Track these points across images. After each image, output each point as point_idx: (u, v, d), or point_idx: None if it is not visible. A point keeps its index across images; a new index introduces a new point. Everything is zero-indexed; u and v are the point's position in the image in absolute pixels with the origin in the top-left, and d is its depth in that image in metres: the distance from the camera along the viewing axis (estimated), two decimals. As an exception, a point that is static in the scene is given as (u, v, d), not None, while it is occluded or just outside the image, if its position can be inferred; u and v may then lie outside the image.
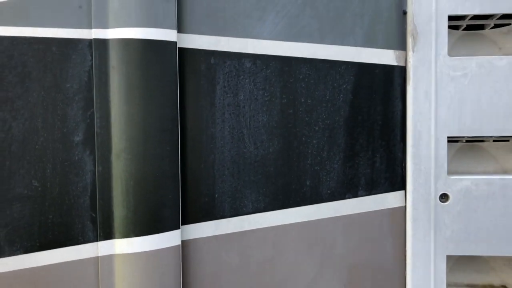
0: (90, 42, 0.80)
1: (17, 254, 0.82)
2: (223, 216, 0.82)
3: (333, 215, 0.82)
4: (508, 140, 0.76)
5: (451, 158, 0.78)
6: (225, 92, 0.81)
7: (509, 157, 0.76)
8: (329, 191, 0.82)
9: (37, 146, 0.81)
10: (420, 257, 0.77)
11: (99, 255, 0.82)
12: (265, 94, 0.81)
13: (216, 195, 0.82)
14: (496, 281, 0.79)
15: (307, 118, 0.80)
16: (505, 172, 0.76)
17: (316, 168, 0.81)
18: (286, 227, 0.81)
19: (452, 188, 0.75)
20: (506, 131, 0.73)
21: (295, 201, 0.81)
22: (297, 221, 0.81)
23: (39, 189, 0.81)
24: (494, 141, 0.78)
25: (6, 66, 0.80)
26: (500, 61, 0.75)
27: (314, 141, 0.80)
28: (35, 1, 0.80)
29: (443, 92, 0.77)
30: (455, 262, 0.79)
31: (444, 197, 0.78)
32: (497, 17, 0.75)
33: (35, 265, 0.82)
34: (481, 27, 0.81)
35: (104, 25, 0.79)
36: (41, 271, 0.82)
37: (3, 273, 0.81)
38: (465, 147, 0.77)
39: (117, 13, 0.77)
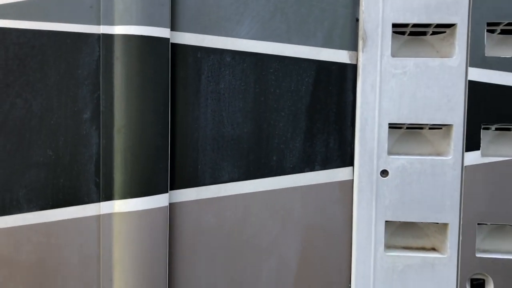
0: (98, 37, 0.90)
1: (34, 211, 0.93)
2: (204, 184, 0.93)
3: (294, 185, 0.91)
4: (441, 128, 0.86)
5: (394, 142, 0.89)
6: (208, 81, 0.92)
7: (441, 142, 0.87)
8: (291, 166, 0.90)
9: (52, 122, 0.92)
10: (363, 222, 0.88)
11: (101, 213, 0.92)
12: (242, 84, 0.91)
13: (199, 166, 0.92)
14: (428, 245, 0.91)
15: (275, 105, 0.91)
16: (438, 154, 0.87)
17: (281, 146, 0.91)
18: (255, 194, 0.92)
19: (391, 166, 0.86)
20: (436, 120, 0.85)
21: (263, 173, 0.91)
22: (264, 190, 0.92)
23: (53, 157, 0.92)
24: (430, 128, 0.88)
25: (29, 54, 0.91)
26: (433, 62, 0.84)
27: (280, 124, 0.91)
28: (54, 1, 0.90)
29: (386, 86, 0.86)
30: (396, 229, 0.90)
31: (384, 173, 0.88)
32: (434, 25, 0.83)
33: (48, 220, 0.93)
34: (425, 33, 0.88)
35: (111, 23, 0.89)
36: (53, 225, 0.93)
37: (23, 226, 0.93)
38: (407, 133, 0.89)
39: (121, 13, 0.87)
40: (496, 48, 0.87)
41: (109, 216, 0.92)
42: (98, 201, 0.93)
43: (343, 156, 0.91)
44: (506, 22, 0.84)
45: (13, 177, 0.94)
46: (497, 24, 0.85)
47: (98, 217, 0.93)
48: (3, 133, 0.94)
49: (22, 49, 0.93)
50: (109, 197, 0.92)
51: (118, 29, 0.88)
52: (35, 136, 0.95)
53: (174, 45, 0.91)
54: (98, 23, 0.90)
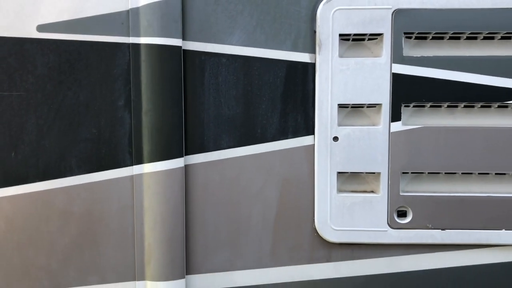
0: (128, 45, 1.08)
1: (83, 174, 1.13)
2: (208, 150, 1.11)
3: (273, 150, 1.10)
4: (375, 106, 1.08)
5: (343, 117, 1.07)
6: (210, 76, 1.09)
7: (375, 116, 1.06)
8: (271, 136, 1.09)
9: (95, 108, 1.11)
10: (322, 173, 1.09)
11: (134, 174, 1.11)
12: (234, 78, 1.09)
13: (205, 138, 1.10)
14: (368, 188, 1.10)
15: (258, 93, 1.09)
16: (373, 124, 1.07)
17: (264, 122, 1.10)
18: (246, 157, 1.11)
19: (340, 133, 1.07)
20: (371, 101, 1.04)
21: (251, 141, 1.10)
22: (253, 153, 1.11)
23: (96, 134, 1.11)
24: (367, 107, 1.07)
25: (76, 59, 1.10)
26: (368, 61, 1.04)
27: (263, 106, 1.10)
28: (94, 19, 1.09)
29: (335, 78, 1.05)
30: (346, 178, 1.11)
31: (335, 139, 1.07)
32: (368, 35, 1.05)
33: (93, 180, 1.13)
34: (364, 39, 1.07)
35: (137, 35, 1.06)
36: (97, 184, 1.13)
37: (74, 185, 1.13)
38: (352, 111, 1.09)
39: (145, 28, 1.06)
40: (411, 50, 1.07)
41: (140, 175, 1.11)
42: (131, 165, 1.12)
43: (307, 128, 1.10)
44: (417, 32, 1.06)
45: (67, 149, 1.14)
46: (412, 33, 1.06)
47: (131, 177, 1.12)
48: (59, 117, 1.13)
49: (71, 55, 1.11)
50: (139, 161, 1.10)
51: (144, 40, 1.07)
52: (82, 118, 1.13)
53: (185, 51, 1.08)
54: (128, 35, 1.08)
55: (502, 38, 1.10)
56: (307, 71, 1.09)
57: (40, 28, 1.09)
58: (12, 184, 1.13)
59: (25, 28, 1.09)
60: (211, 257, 1.18)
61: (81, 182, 1.14)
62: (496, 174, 1.13)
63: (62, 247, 1.16)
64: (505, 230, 1.12)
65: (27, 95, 1.11)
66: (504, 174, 1.12)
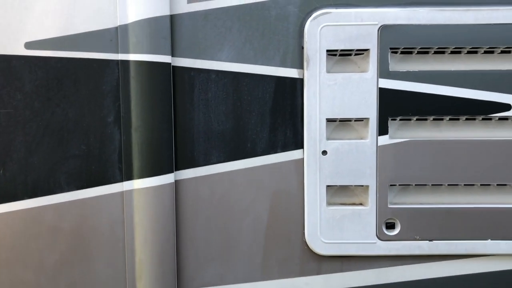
0: (117, 62, 1.07)
1: (72, 190, 1.13)
2: (198, 165, 1.12)
3: (263, 164, 1.10)
4: (362, 120, 1.09)
5: (331, 131, 1.08)
6: (199, 92, 1.10)
7: (363, 130, 1.06)
8: (261, 150, 1.10)
9: (84, 124, 1.10)
10: (311, 187, 1.10)
11: (124, 190, 1.10)
12: (223, 93, 1.10)
13: (195, 153, 1.11)
14: (357, 201, 1.12)
15: (248, 108, 1.09)
16: (361, 138, 1.08)
17: (253, 136, 1.10)
18: (236, 171, 1.11)
19: (329, 147, 1.07)
20: (358, 115, 1.06)
21: (241, 156, 1.11)
22: (243, 168, 1.11)
23: (86, 150, 1.11)
24: (355, 121, 1.08)
25: (65, 76, 1.09)
26: (355, 76, 1.05)
27: (252, 121, 1.10)
28: (83, 36, 1.08)
29: (323, 93, 1.06)
30: (335, 191, 1.12)
31: (324, 153, 1.08)
32: (355, 50, 1.07)
33: (84, 197, 1.12)
34: (350, 54, 1.09)
35: (126, 52, 1.06)
36: (87, 200, 1.12)
37: (65, 202, 1.12)
38: (340, 124, 1.10)
39: (134, 45, 1.06)
40: (397, 64, 1.09)
41: (130, 191, 1.10)
42: (122, 181, 1.11)
43: (296, 142, 1.10)
44: (403, 47, 1.08)
45: (56, 166, 1.13)
46: (398, 48, 1.08)
47: (121, 193, 1.11)
48: (47, 134, 1.12)
49: (60, 72, 1.10)
50: (129, 177, 1.10)
51: (133, 56, 1.06)
52: (72, 135, 1.12)
53: (174, 67, 1.08)
54: (117, 52, 1.07)
55: (485, 52, 1.13)
56: (295, 86, 1.10)
57: (28, 45, 1.09)
58: (0, 202, 1.12)
59: (13, 45, 1.08)
60: (202, 272, 1.19)
61: (71, 199, 1.13)
62: (481, 185, 1.15)
63: (52, 264, 1.15)
64: (491, 240, 1.15)
65: (15, 112, 1.11)
66: (489, 185, 1.15)
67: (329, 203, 1.13)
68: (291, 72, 1.10)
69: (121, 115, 1.09)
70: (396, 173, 1.09)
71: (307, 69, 1.08)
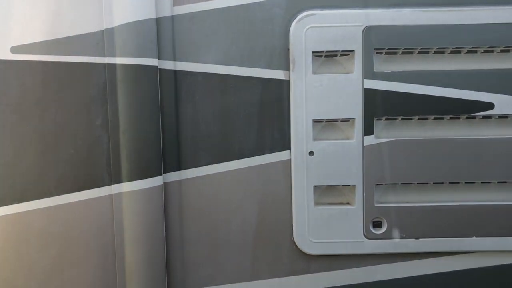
0: (104, 65, 1.08)
1: (61, 194, 1.13)
2: (186, 168, 1.12)
3: (251, 165, 1.11)
4: (348, 121, 1.10)
5: (318, 131, 1.08)
6: (187, 95, 1.10)
7: (349, 130, 1.10)
8: (249, 151, 1.11)
9: (72, 128, 1.11)
10: (299, 188, 1.10)
11: (113, 193, 1.11)
12: (210, 95, 1.10)
13: (183, 155, 1.11)
14: (344, 200, 1.14)
15: (235, 110, 1.10)
16: (347, 138, 1.10)
17: (241, 138, 1.11)
18: (224, 173, 1.12)
19: (315, 148, 1.09)
20: (344, 116, 1.07)
21: (229, 158, 1.11)
22: (231, 169, 1.12)
23: (74, 154, 1.12)
24: (341, 121, 1.09)
25: (51, 80, 1.10)
26: (340, 77, 1.07)
27: (239, 123, 1.10)
28: (69, 40, 1.09)
29: (309, 94, 1.07)
30: (322, 191, 1.12)
31: (311, 153, 1.09)
32: (340, 51, 1.07)
33: (73, 201, 1.13)
34: (336, 55, 1.09)
35: (113, 55, 1.07)
36: (76, 204, 1.13)
37: (54, 205, 1.12)
38: (326, 125, 1.10)
39: (121, 48, 1.07)
40: (382, 65, 1.10)
41: (119, 194, 1.11)
42: (110, 184, 1.12)
43: (284, 143, 1.12)
44: (387, 48, 1.09)
45: (44, 170, 1.13)
46: (382, 49, 1.09)
47: (110, 196, 1.12)
48: (35, 139, 1.13)
49: (46, 76, 1.11)
50: (118, 181, 1.11)
51: (119, 60, 1.07)
52: (60, 139, 1.13)
53: (161, 70, 1.09)
54: (103, 55, 1.08)
55: (468, 52, 1.14)
56: (282, 88, 1.11)
57: (14, 49, 1.09)
58: (-11, 207, 1.11)
59: (-1, 49, 1.07)
60: (192, 273, 1.19)
61: (60, 203, 1.13)
62: (465, 183, 1.17)
63: (42, 268, 1.16)
64: (476, 237, 1.16)
65: (2, 116, 1.11)
66: (473, 183, 1.16)
67: (316, 203, 1.14)
68: (278, 74, 1.11)
69: (109, 119, 1.10)
70: (382, 172, 1.11)
71: (293, 71, 1.09)
